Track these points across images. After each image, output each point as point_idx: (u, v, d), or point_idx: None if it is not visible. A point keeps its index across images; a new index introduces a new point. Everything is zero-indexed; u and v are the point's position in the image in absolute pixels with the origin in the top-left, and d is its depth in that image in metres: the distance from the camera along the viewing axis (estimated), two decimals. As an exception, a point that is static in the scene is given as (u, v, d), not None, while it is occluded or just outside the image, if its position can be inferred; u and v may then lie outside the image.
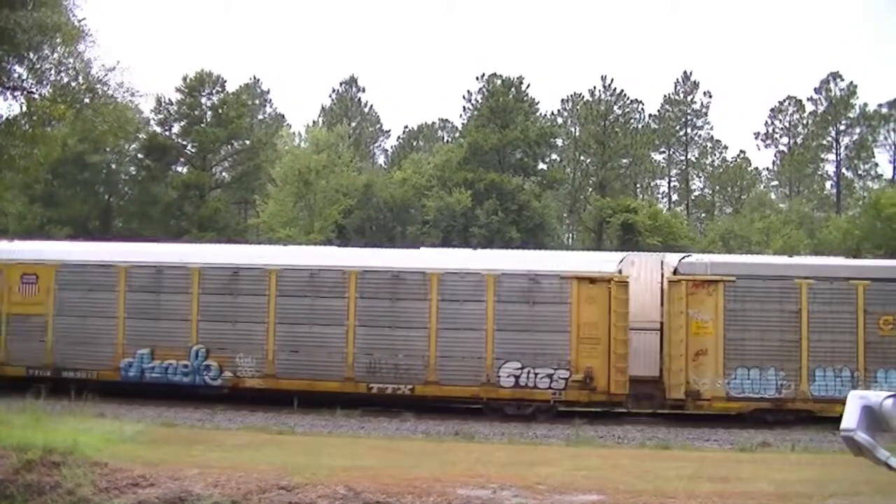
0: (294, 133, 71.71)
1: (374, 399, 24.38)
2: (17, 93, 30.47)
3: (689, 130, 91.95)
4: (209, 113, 72.65)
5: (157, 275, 25.79)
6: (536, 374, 23.70)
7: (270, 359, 24.81)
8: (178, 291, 25.60)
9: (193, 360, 25.19)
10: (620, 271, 24.15)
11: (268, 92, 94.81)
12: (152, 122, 70.79)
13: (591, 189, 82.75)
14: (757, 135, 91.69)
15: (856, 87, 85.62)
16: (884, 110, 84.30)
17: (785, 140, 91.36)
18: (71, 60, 30.46)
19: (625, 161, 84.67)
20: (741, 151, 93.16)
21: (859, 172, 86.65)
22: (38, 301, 26.12)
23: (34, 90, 30.64)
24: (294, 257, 26.53)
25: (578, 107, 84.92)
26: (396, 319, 24.46)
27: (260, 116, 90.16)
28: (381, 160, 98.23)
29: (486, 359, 23.90)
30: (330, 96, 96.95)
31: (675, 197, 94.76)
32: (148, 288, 25.79)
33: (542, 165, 76.11)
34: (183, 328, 25.41)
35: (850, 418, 3.42)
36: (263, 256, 26.35)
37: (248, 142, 74.75)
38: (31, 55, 29.57)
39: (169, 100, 71.32)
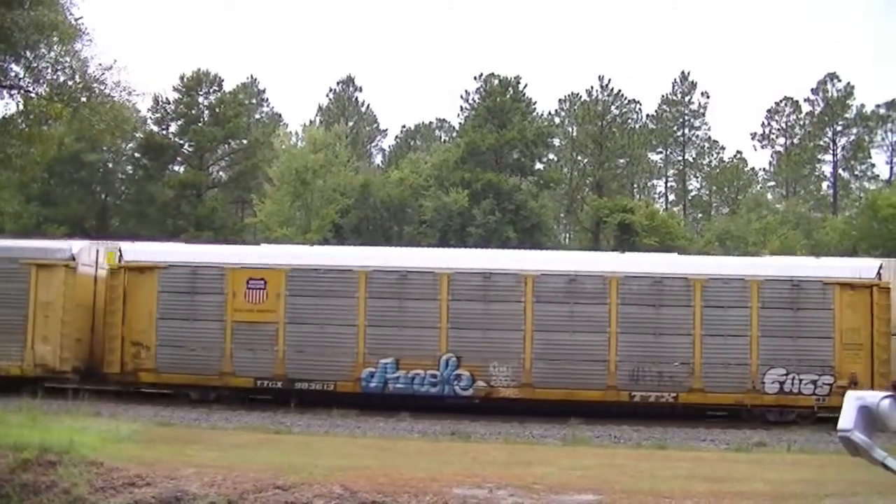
0: (291, 132, 71.69)
1: (636, 408, 24.10)
2: (14, 92, 30.49)
3: (686, 131, 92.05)
4: (206, 112, 72.72)
5: (401, 280, 24.79)
6: (801, 381, 23.63)
7: (528, 368, 24.21)
8: (425, 298, 24.73)
9: (443, 369, 24.49)
10: (880, 277, 24.15)
11: (265, 91, 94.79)
12: (149, 121, 70.96)
13: (588, 189, 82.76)
14: (754, 135, 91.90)
15: (853, 87, 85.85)
16: (881, 111, 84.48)
17: (781, 141, 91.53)
18: (68, 59, 30.47)
19: (622, 161, 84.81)
20: (738, 152, 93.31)
21: (856, 173, 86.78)
22: (268, 308, 25.04)
23: (31, 89, 30.66)
24: (551, 262, 25.79)
25: (576, 107, 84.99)
26: (659, 326, 24.15)
27: (257, 116, 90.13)
28: (378, 160, 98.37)
29: (751, 365, 23.78)
30: (327, 96, 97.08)
31: (672, 197, 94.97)
32: (391, 294, 24.81)
33: (539, 165, 76.12)
34: (430, 336, 24.60)
35: (847, 418, 3.42)
36: (517, 261, 25.85)
37: (245, 141, 74.78)
38: (28, 54, 29.58)
39: (166, 99, 71.47)
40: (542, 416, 23.07)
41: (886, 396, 3.40)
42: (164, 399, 24.74)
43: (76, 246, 26.79)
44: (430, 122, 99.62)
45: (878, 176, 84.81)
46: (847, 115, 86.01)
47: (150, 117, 71.01)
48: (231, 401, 24.35)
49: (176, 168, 74.16)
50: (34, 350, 24.99)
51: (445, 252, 32.11)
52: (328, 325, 24.88)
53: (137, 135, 67.34)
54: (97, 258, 26.85)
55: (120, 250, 26.20)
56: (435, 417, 23.01)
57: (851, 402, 3.42)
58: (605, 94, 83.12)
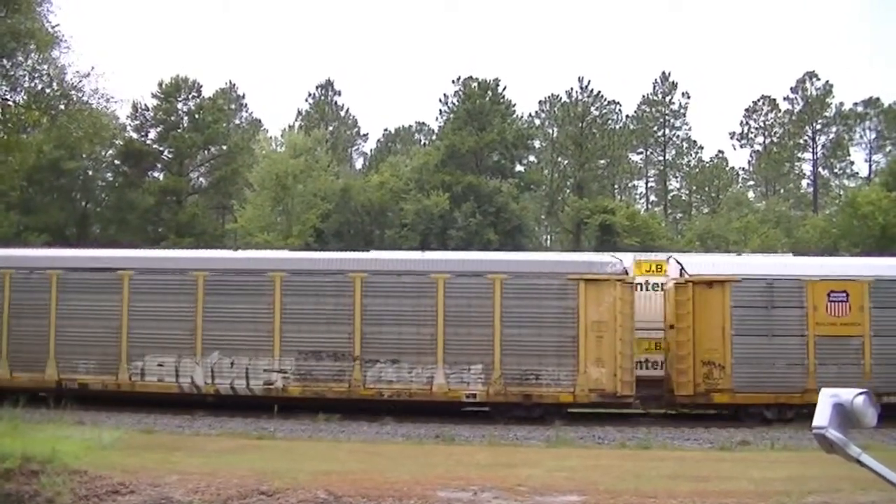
0: (271, 137, 71.56)
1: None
2: (-9, 100, 30.39)
3: (666, 131, 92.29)
4: (185, 118, 72.48)
5: None
6: None
7: None
8: None
9: None
10: None
11: (244, 97, 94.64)
12: (128, 128, 70.65)
13: (568, 190, 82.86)
14: (732, 135, 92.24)
15: (832, 86, 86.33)
16: (860, 109, 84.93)
17: (760, 140, 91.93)
18: (45, 67, 30.46)
19: (602, 162, 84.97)
20: (719, 151, 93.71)
21: (836, 171, 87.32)
22: (852, 321, 24.09)
23: (8, 97, 30.58)
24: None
25: (556, 108, 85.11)
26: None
27: (236, 121, 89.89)
28: (359, 164, 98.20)
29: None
30: (307, 100, 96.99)
31: (652, 197, 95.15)
32: None
33: (519, 167, 76.17)
34: None
35: (822, 416, 3.45)
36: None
37: (224, 147, 74.56)
38: (5, 62, 29.52)
39: (145, 105, 71.19)
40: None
41: (860, 394, 3.43)
42: (147, 406, 24.66)
43: (626, 258, 26.04)
44: (410, 126, 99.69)
45: (857, 174, 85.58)
46: (826, 114, 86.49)
47: (129, 124, 70.76)
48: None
49: (156, 175, 73.83)
50: (586, 373, 23.79)
51: None
52: None
53: (116, 142, 67.09)
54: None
55: (679, 263, 25.72)
56: (419, 421, 23.04)
57: (826, 400, 3.45)
58: (585, 95, 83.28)
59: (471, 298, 24.21)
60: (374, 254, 29.33)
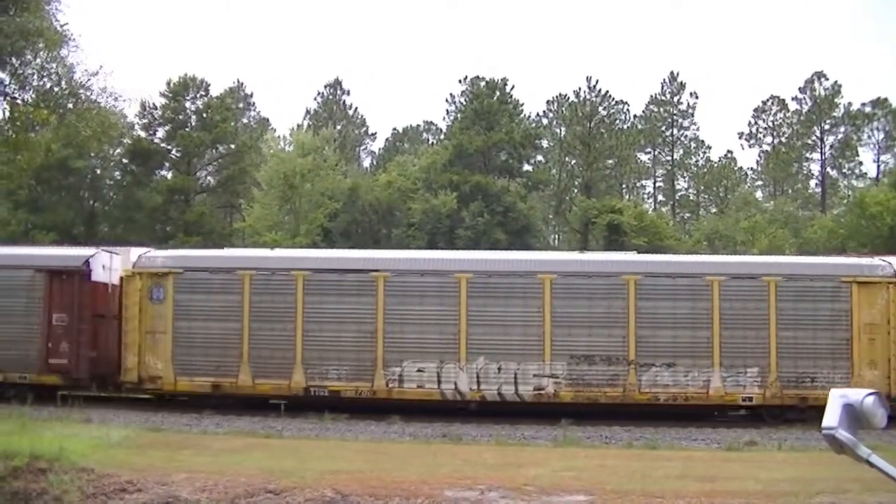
0: (279, 137, 71.59)
1: None
2: (0, 98, 30.43)
3: (674, 131, 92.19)
4: (193, 117, 72.50)
5: None
6: None
7: None
8: None
9: None
10: None
11: (252, 96, 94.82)
12: (136, 126, 70.68)
13: (576, 190, 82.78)
14: (741, 135, 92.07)
15: (840, 86, 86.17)
16: (868, 109, 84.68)
17: (769, 140, 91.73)
18: (54, 65, 30.50)
19: (610, 162, 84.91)
20: (728, 151, 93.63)
21: (844, 171, 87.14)
22: None
23: (17, 95, 30.63)
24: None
25: (564, 108, 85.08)
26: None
27: (244, 120, 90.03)
28: (367, 163, 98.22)
29: None
30: (315, 99, 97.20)
31: (660, 197, 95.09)
32: None
33: (527, 167, 76.17)
34: None
35: (832, 416, 3.44)
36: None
37: (232, 146, 74.58)
38: (14, 60, 29.56)
39: (153, 104, 71.18)
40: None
41: (870, 394, 3.42)
42: (155, 404, 24.66)
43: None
44: (418, 125, 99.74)
45: (865, 174, 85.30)
46: (835, 114, 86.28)
47: (138, 123, 70.77)
48: None
49: (164, 173, 73.90)
50: (860, 376, 23.33)
51: None
52: None
53: (125, 140, 67.19)
54: None
55: None
56: (426, 420, 23.00)
57: (836, 400, 3.44)
58: (593, 94, 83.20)
59: (746, 301, 24.00)
60: (646, 256, 29.20)
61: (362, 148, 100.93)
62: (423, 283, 24.55)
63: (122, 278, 25.70)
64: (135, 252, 26.27)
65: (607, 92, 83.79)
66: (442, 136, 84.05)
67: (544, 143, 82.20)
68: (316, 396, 24.27)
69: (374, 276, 24.42)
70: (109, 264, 26.49)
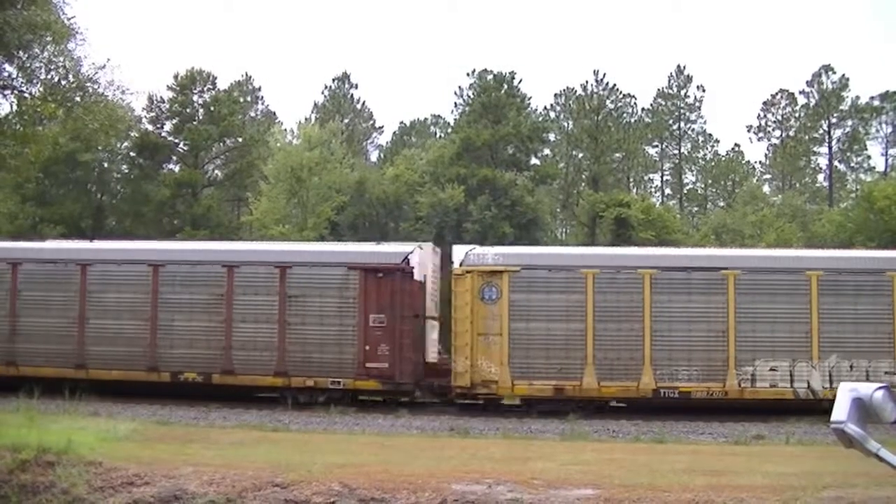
0: (286, 130, 71.50)
1: None
2: (8, 92, 30.47)
3: (682, 124, 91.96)
4: (201, 111, 72.39)
5: None
6: None
7: None
8: None
9: None
10: None
11: (259, 89, 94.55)
12: (144, 120, 70.53)
13: (584, 184, 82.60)
14: (749, 128, 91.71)
15: (848, 79, 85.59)
16: (875, 103, 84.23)
17: (777, 133, 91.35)
18: (61, 59, 30.48)
19: (618, 155, 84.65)
20: (736, 145, 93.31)
21: (852, 165, 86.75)
22: None
23: (24, 89, 30.63)
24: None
25: (571, 101, 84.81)
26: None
27: (252, 114, 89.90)
28: (374, 156, 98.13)
29: None
30: (322, 93, 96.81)
31: (668, 191, 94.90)
32: None
33: (534, 160, 75.86)
34: None
35: (841, 410, 3.43)
36: None
37: (240, 139, 74.50)
38: (21, 54, 29.54)
39: (160, 98, 71.04)
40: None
41: (879, 388, 3.41)
42: (162, 398, 24.69)
43: None
44: (426, 119, 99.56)
45: (873, 168, 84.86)
46: (842, 107, 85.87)
47: (145, 116, 70.61)
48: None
49: (171, 167, 73.86)
50: None
51: None
52: None
53: (132, 134, 67.11)
54: None
55: None
56: (433, 413, 23.03)
57: (845, 394, 3.43)
58: (601, 88, 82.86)
59: None
60: None
61: (370, 141, 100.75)
62: (774, 281, 24.53)
63: (452, 277, 25.22)
64: (458, 250, 25.81)
65: (615, 85, 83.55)
66: (449, 130, 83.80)
67: (552, 137, 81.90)
68: (665, 398, 24.18)
69: (725, 274, 24.35)
70: (418, 260, 25.80)
